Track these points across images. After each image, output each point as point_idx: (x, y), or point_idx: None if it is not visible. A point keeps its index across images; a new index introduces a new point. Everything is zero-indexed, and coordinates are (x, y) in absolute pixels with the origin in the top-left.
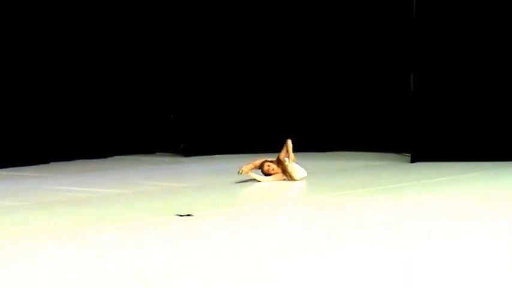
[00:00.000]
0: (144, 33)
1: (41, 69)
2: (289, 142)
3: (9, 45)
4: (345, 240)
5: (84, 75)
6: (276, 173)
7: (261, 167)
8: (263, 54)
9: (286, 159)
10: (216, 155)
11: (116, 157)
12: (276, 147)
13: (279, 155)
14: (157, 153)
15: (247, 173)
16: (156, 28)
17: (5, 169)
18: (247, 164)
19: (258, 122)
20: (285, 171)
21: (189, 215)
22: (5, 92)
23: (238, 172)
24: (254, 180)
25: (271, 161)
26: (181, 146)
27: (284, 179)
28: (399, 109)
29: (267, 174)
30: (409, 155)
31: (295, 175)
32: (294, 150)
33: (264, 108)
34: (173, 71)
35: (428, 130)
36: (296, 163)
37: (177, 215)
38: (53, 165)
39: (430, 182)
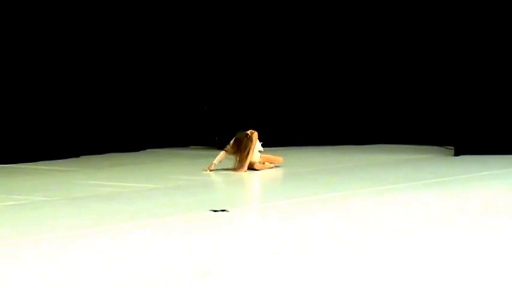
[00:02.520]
0: (176, 23)
1: (71, 59)
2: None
3: (41, 39)
4: (392, 236)
5: (117, 66)
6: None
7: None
8: (301, 45)
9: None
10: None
11: (148, 150)
12: (312, 140)
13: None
14: (191, 147)
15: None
16: (187, 17)
17: (33, 163)
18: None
19: (297, 114)
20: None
21: (224, 211)
22: (34, 83)
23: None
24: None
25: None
26: (216, 138)
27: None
28: (442, 100)
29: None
30: (453, 147)
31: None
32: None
33: (303, 100)
34: (208, 60)
35: (473, 121)
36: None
37: (212, 210)
38: (84, 159)
39: (475, 176)
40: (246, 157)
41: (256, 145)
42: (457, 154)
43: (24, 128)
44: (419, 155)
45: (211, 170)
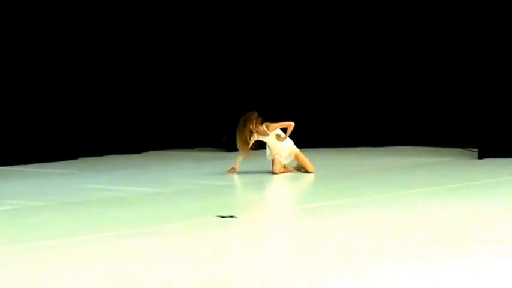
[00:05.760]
0: (181, 18)
1: (69, 55)
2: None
3: (37, 38)
4: (410, 246)
5: (117, 63)
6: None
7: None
8: (315, 44)
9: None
10: (262, 150)
11: (151, 152)
12: (325, 142)
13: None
14: (197, 148)
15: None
16: (194, 13)
17: (29, 165)
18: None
19: (310, 114)
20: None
21: (231, 217)
22: (30, 82)
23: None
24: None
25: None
26: (224, 139)
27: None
28: (465, 97)
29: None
30: (477, 150)
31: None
32: (346, 145)
33: (315, 99)
34: (216, 56)
35: (499, 121)
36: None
37: (219, 216)
38: (82, 161)
39: (500, 181)
40: (240, 139)
41: (285, 141)
42: (481, 157)
43: (19, 129)
44: (439, 158)
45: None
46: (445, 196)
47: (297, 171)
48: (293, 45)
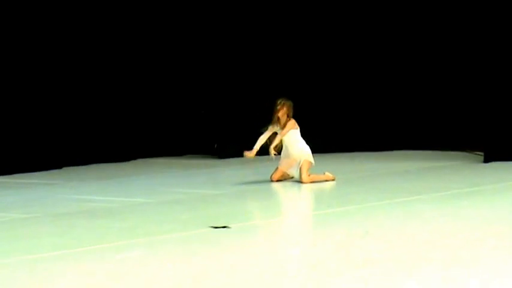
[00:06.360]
0: (167, 26)
1: (52, 66)
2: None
3: (16, 47)
4: (414, 256)
5: (100, 67)
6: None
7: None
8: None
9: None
10: (257, 156)
11: (139, 160)
12: (326, 147)
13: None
14: (187, 155)
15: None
16: (181, 18)
17: (11, 176)
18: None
19: (311, 119)
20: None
21: (225, 227)
22: (12, 89)
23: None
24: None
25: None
26: (215, 146)
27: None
28: (470, 99)
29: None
30: (482, 153)
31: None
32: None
33: (316, 103)
34: (207, 61)
35: (505, 123)
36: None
37: (212, 227)
38: (67, 171)
39: (507, 186)
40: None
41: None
42: (487, 161)
43: (0, 138)
44: (444, 162)
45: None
46: (449, 202)
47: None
48: (291, 49)
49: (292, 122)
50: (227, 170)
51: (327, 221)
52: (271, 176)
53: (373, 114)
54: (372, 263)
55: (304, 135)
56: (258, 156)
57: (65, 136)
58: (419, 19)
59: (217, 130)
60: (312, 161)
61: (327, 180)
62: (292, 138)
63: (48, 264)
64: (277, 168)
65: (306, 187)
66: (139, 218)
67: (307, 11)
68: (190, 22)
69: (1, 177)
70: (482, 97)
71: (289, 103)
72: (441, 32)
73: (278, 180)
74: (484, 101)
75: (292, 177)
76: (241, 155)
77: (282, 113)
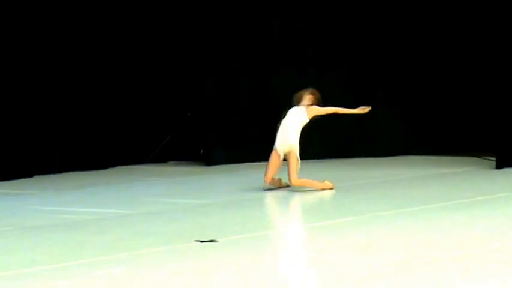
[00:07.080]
0: (147, 26)
1: (28, 69)
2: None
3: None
4: (422, 271)
5: (78, 69)
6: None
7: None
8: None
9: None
10: (247, 163)
11: (118, 168)
12: (319, 151)
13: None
14: (171, 162)
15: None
16: (163, 18)
17: None
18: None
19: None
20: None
21: (212, 241)
22: None
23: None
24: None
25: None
26: (202, 151)
27: None
28: (481, 102)
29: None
30: (494, 159)
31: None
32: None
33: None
34: (190, 59)
35: None
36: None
37: (198, 240)
38: (38, 180)
39: None
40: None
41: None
42: (499, 167)
43: None
44: (454, 168)
45: None
46: (460, 212)
47: (285, 187)
48: (277, 49)
49: (317, 109)
50: (215, 178)
51: (322, 234)
52: (265, 176)
53: (380, 119)
54: (373, 279)
55: (304, 138)
56: (249, 163)
57: (37, 141)
58: (434, 23)
59: (204, 134)
60: (299, 158)
61: (324, 189)
62: (297, 125)
63: (17, 282)
64: (268, 166)
65: (301, 197)
66: (119, 231)
67: (305, 11)
68: (175, 26)
69: None
70: (493, 100)
71: (320, 98)
72: (451, 35)
73: (271, 189)
74: (496, 104)
75: (287, 186)
76: (230, 161)
77: (310, 98)
